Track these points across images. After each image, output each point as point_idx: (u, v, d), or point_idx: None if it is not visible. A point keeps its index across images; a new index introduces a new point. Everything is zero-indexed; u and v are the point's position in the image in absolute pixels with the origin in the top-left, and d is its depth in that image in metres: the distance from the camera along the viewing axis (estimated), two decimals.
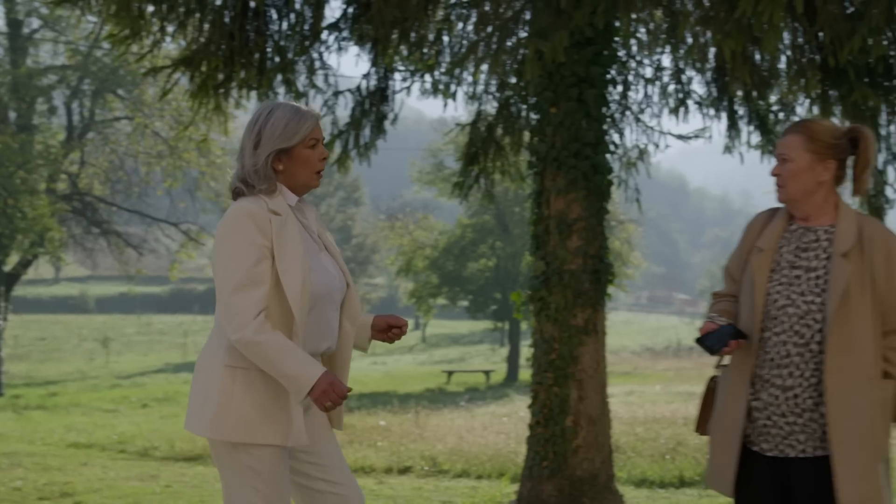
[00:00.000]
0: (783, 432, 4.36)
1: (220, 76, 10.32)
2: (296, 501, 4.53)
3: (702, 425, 4.77)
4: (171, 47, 18.41)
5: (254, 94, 10.69)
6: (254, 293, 4.12)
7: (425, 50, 11.14)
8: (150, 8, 9.99)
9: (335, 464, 4.51)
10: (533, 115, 10.07)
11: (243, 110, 11.62)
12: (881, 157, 11.08)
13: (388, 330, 4.67)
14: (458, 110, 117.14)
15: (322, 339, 4.39)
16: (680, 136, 12.12)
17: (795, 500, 4.40)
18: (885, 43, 9.07)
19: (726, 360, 4.67)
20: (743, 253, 4.66)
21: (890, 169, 11.16)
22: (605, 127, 9.63)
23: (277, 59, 10.41)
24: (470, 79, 11.84)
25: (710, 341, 4.37)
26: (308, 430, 4.42)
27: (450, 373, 38.79)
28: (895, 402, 4.34)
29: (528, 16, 10.18)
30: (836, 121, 10.52)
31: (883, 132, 10.90)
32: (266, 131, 4.27)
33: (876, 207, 11.08)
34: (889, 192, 11.31)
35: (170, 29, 10.38)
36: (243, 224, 4.16)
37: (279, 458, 4.27)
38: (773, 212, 4.69)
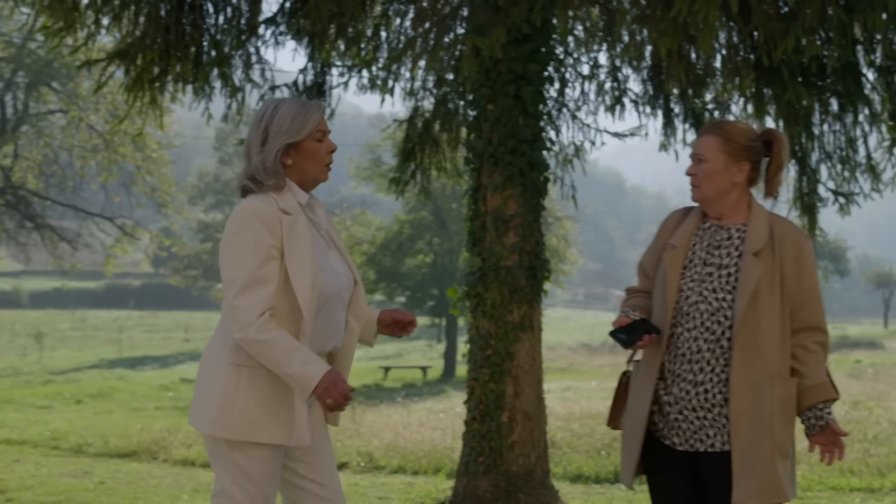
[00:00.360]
0: (693, 427, 4.43)
1: (156, 70, 10.24)
2: (281, 496, 4.53)
3: (613, 420, 4.84)
4: (107, 40, 18.22)
5: (189, 88, 10.63)
6: (259, 293, 4.12)
7: (363, 45, 11.13)
8: (85, 0, 9.90)
9: (325, 464, 4.50)
10: (470, 112, 10.08)
11: (179, 104, 11.54)
12: (814, 156, 11.20)
13: (394, 324, 4.67)
14: (396, 106, 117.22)
15: (329, 339, 4.38)
16: (616, 134, 12.18)
17: (708, 494, 4.47)
18: (818, 43, 9.16)
19: (638, 355, 4.74)
20: (657, 250, 4.73)
21: (823, 168, 11.28)
22: (541, 124, 9.66)
23: (214, 53, 10.35)
24: (407, 75, 11.85)
25: (624, 335, 4.44)
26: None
27: (386, 369, 38.71)
28: (798, 399, 4.42)
29: (465, 12, 10.19)
30: (769, 120, 10.65)
31: (816, 131, 11.02)
32: (273, 127, 4.26)
33: (808, 206, 11.20)
34: (822, 190, 11.44)
35: (105, 21, 10.29)
36: (250, 223, 4.16)
37: (273, 458, 4.28)
38: (687, 210, 4.77)
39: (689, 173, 4.58)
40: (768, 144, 4.58)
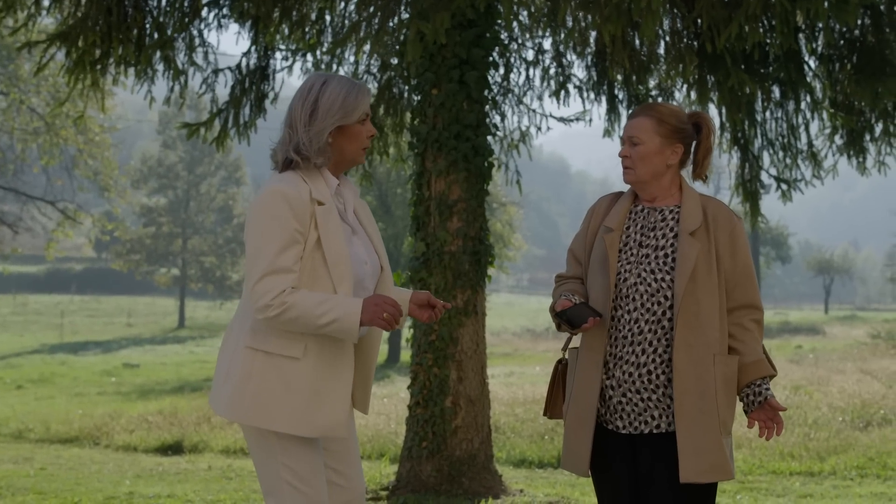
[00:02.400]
0: (638, 409, 4.43)
1: (98, 52, 10.15)
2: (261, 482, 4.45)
3: (550, 408, 4.80)
4: (48, 21, 18.07)
5: (132, 70, 10.54)
6: (281, 278, 4.06)
7: (307, 29, 11.08)
8: None
9: (347, 452, 4.47)
10: (414, 97, 10.08)
11: (122, 87, 11.46)
12: (757, 143, 11.29)
13: (422, 308, 4.46)
14: None
15: None
16: (561, 119, 12.21)
17: (649, 475, 4.46)
18: (761, 30, 9.23)
19: (575, 341, 4.73)
20: (588, 235, 4.70)
21: (765, 154, 11.37)
22: (486, 109, 9.66)
23: (156, 36, 10.26)
24: (352, 59, 11.81)
25: (572, 316, 4.39)
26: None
27: None
28: (738, 376, 4.45)
29: None
30: (712, 106, 10.71)
31: (758, 118, 11.10)
32: (323, 104, 4.20)
33: (751, 192, 11.29)
34: (764, 176, 11.53)
35: (45, 2, 10.19)
36: (277, 207, 4.10)
37: (310, 449, 4.23)
38: (616, 195, 4.76)
39: (622, 155, 4.55)
40: (697, 127, 4.60)
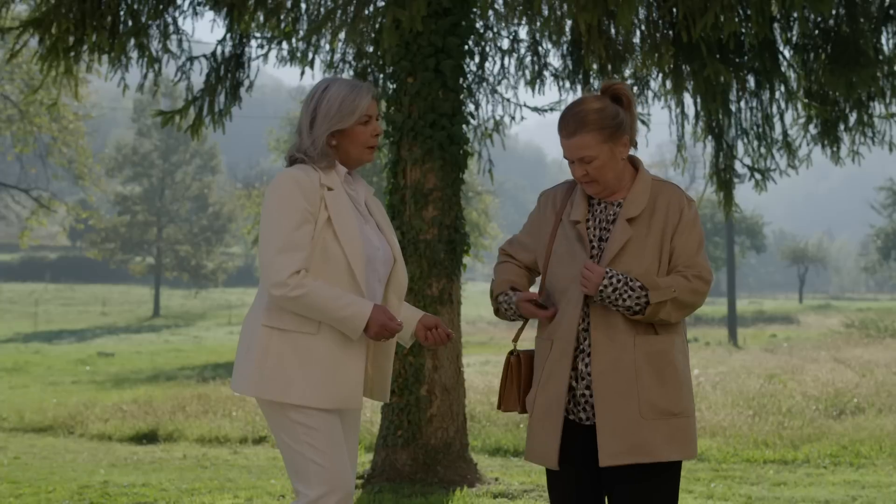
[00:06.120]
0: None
1: (71, 39, 10.09)
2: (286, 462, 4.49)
3: (505, 402, 4.74)
4: (21, 8, 17.95)
5: (106, 58, 10.48)
6: (294, 255, 4.23)
7: (282, 16, 11.04)
8: None
9: (347, 438, 4.55)
10: (390, 85, 10.06)
11: (96, 75, 11.39)
12: (731, 133, 11.31)
13: (427, 330, 4.61)
14: (316, 78, 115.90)
15: None
16: (535, 109, 12.19)
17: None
18: (736, 20, 9.25)
19: (529, 335, 4.70)
20: (544, 224, 4.59)
21: (739, 144, 11.40)
22: (461, 98, 9.66)
23: (130, 23, 10.22)
24: (327, 47, 11.78)
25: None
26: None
27: None
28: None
29: None
30: (687, 95, 10.72)
31: (733, 108, 11.13)
32: (321, 109, 4.39)
33: (725, 182, 11.32)
34: (738, 166, 11.56)
35: None
36: (289, 189, 4.30)
37: (328, 419, 4.32)
38: (572, 184, 4.62)
39: (579, 177, 4.38)
40: (618, 100, 4.48)
